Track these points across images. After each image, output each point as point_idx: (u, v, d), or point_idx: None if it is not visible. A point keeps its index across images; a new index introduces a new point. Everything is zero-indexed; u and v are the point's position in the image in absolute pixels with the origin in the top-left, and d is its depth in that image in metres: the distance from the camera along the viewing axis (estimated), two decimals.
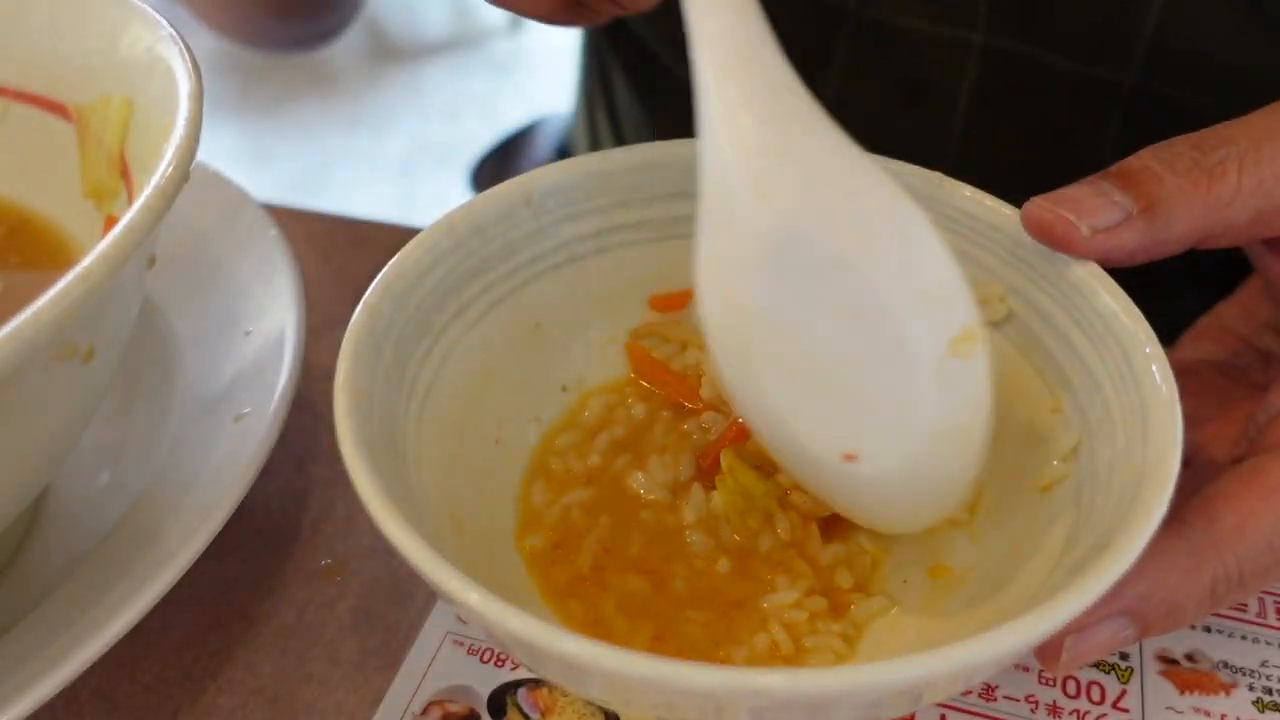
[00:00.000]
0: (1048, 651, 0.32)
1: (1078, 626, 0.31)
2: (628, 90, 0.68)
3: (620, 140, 0.70)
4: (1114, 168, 0.36)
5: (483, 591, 0.28)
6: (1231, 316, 0.42)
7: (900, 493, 0.34)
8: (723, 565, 0.37)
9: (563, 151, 0.85)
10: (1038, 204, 0.36)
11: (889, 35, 0.53)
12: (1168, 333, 0.36)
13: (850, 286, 0.31)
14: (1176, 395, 0.32)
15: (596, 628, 0.35)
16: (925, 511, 0.35)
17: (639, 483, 0.39)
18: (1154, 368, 0.33)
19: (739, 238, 0.31)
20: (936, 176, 0.39)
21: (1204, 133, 0.36)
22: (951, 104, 0.54)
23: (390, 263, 0.37)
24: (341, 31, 0.77)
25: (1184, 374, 0.34)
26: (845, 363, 0.31)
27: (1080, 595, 0.28)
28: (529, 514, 0.39)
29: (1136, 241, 0.35)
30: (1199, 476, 0.36)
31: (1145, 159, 0.35)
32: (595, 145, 0.74)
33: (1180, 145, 0.36)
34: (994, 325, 0.39)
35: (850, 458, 0.32)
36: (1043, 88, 0.52)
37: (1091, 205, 0.35)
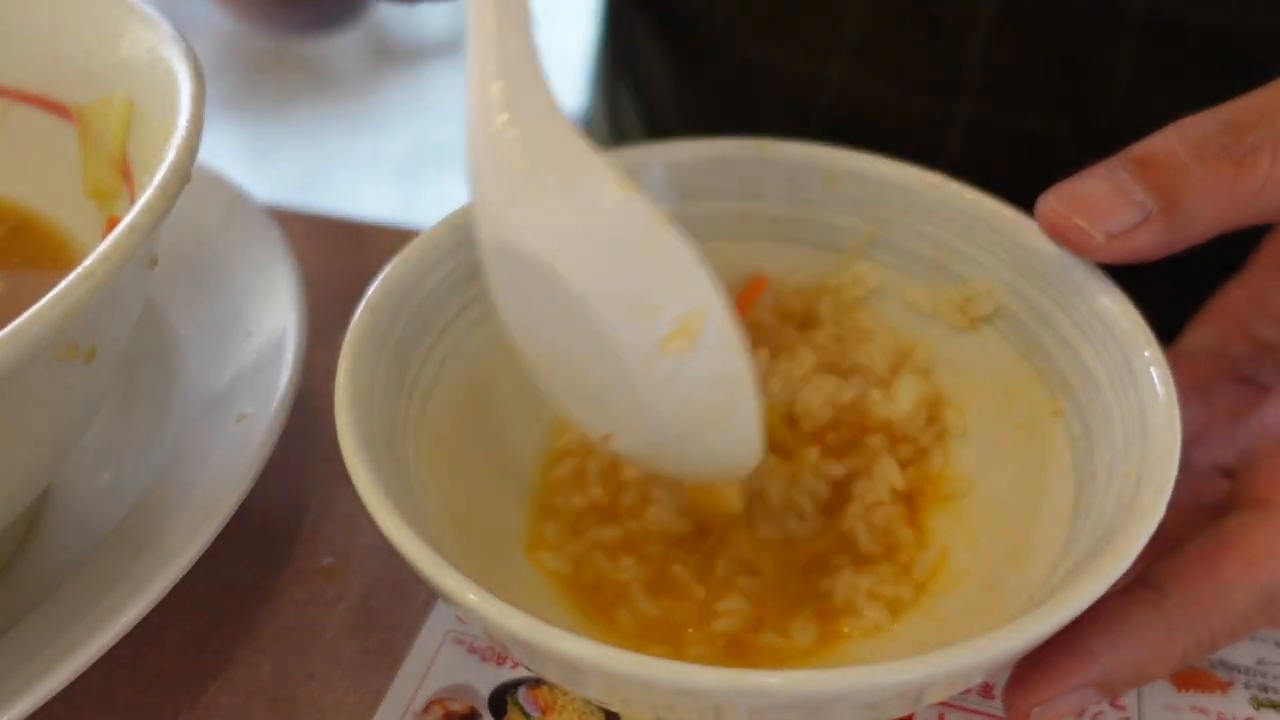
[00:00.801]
0: (1016, 718, 0.32)
1: (1047, 697, 0.31)
2: (653, 51, 0.68)
3: (646, 108, 0.70)
4: (1137, 150, 0.34)
5: (480, 591, 0.28)
6: (1236, 301, 0.40)
7: (671, 460, 0.35)
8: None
9: None
10: (1051, 205, 0.34)
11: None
12: (1166, 331, 0.36)
13: (554, 291, 0.31)
14: (1175, 399, 0.32)
15: (651, 633, 0.36)
16: (710, 471, 0.36)
17: (656, 520, 0.38)
18: (1153, 371, 0.33)
19: (481, 245, 0.33)
20: (939, 179, 0.39)
21: (1237, 109, 0.34)
22: (970, 36, 0.54)
23: (393, 261, 0.37)
24: (350, 19, 0.76)
25: (1181, 363, 0.34)
26: (573, 359, 0.33)
27: (1076, 598, 0.28)
28: (537, 537, 0.38)
29: (1155, 243, 0.33)
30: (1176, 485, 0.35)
31: (1172, 141, 0.33)
32: (617, 118, 0.74)
33: (1210, 126, 0.33)
34: (984, 320, 0.39)
35: (607, 438, 0.34)
36: (1057, 16, 0.52)
37: (1108, 206, 0.33)
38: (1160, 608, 0.31)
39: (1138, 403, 0.33)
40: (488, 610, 0.28)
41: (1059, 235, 0.35)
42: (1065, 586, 0.29)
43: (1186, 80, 0.50)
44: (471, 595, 0.28)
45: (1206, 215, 0.33)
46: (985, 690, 0.37)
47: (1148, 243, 0.33)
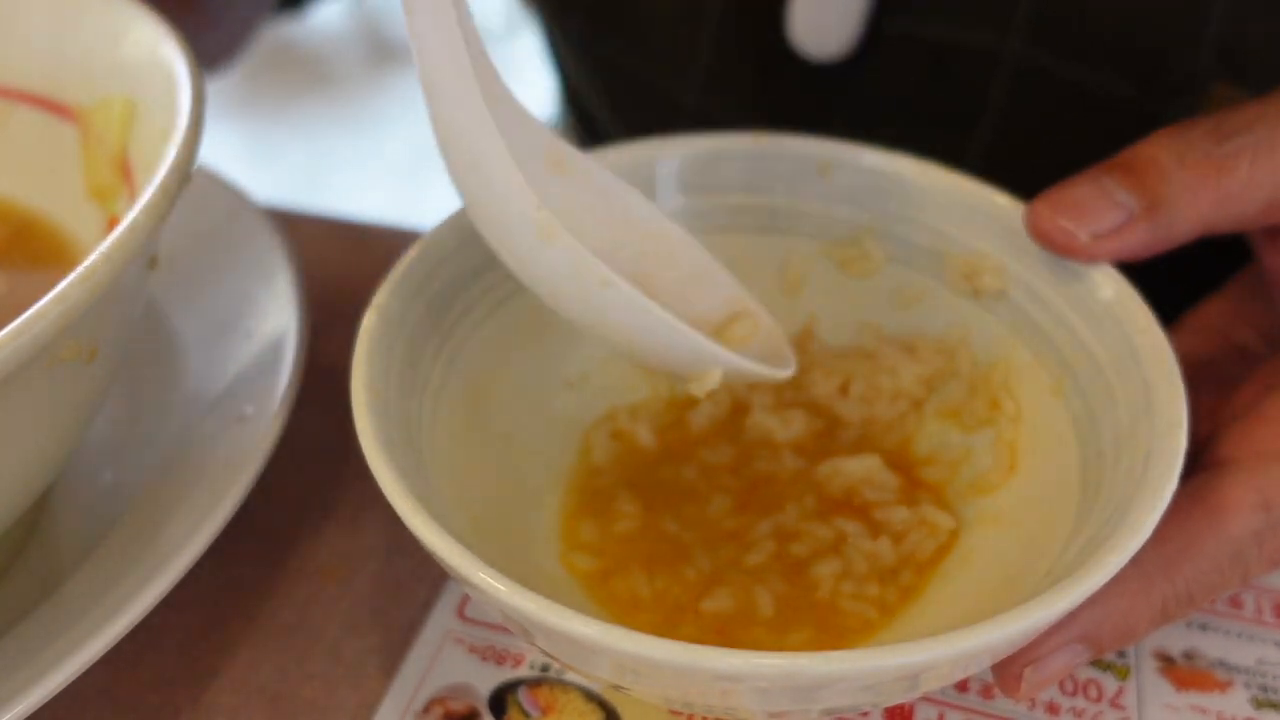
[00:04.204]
0: (1008, 680, 0.32)
1: (1035, 656, 0.32)
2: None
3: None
4: (1122, 156, 0.35)
5: (511, 584, 0.29)
6: (1216, 313, 0.41)
7: None
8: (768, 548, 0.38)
9: None
10: (1038, 211, 0.35)
11: (918, 47, 0.53)
12: (1165, 315, 0.36)
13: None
14: (1179, 374, 0.33)
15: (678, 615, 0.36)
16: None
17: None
18: (1155, 346, 0.34)
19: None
20: (934, 167, 0.40)
21: (1225, 115, 0.35)
22: (977, 125, 0.53)
23: (398, 263, 0.37)
24: (228, 60, 0.67)
25: None
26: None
27: (1097, 573, 0.28)
28: (572, 540, 0.39)
29: (1139, 242, 0.34)
30: None
31: (1157, 148, 0.35)
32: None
33: (1196, 134, 0.35)
34: (990, 298, 0.40)
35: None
36: (1078, 113, 0.51)
37: (1093, 208, 0.34)
38: (1134, 558, 0.32)
39: (1141, 379, 0.33)
40: (520, 603, 0.28)
41: (1046, 238, 0.36)
42: (1080, 564, 0.29)
43: None
44: (501, 587, 0.28)
45: (1188, 216, 0.34)
46: (985, 691, 0.37)
47: (1132, 242, 0.34)
